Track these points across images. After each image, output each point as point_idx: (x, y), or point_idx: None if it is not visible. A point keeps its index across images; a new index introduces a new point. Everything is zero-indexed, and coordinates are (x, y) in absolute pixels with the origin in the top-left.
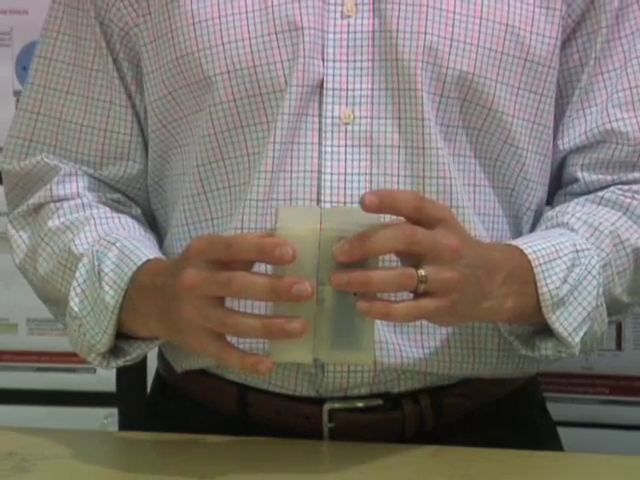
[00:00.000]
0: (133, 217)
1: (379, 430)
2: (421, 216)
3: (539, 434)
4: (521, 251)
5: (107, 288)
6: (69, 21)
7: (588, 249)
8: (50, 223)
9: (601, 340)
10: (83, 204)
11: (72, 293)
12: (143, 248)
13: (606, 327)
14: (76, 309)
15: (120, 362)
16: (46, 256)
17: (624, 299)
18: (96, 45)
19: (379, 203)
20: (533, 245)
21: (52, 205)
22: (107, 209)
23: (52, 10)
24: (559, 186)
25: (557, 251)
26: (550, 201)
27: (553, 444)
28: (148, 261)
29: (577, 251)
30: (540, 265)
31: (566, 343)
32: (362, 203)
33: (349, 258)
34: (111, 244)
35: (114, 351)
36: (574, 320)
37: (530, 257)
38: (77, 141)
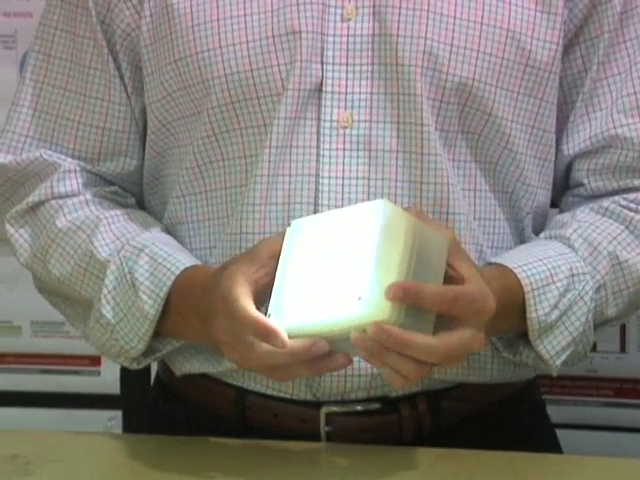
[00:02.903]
0: (134, 208)
1: (376, 433)
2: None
3: (538, 436)
4: (514, 275)
5: (145, 297)
6: (66, 17)
7: (584, 274)
8: (58, 223)
9: (584, 356)
10: (87, 200)
11: (103, 300)
12: (175, 253)
13: (590, 346)
14: (108, 316)
15: (150, 360)
16: (59, 257)
17: (613, 316)
18: (95, 44)
19: (403, 296)
20: (528, 270)
21: (54, 202)
22: (111, 204)
23: (49, 5)
24: (567, 188)
25: (552, 275)
26: (558, 202)
27: (552, 446)
28: (186, 269)
29: (572, 275)
30: (533, 290)
31: (547, 365)
32: (387, 294)
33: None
34: (139, 250)
35: (145, 351)
36: (558, 344)
37: (523, 282)
38: (74, 138)
